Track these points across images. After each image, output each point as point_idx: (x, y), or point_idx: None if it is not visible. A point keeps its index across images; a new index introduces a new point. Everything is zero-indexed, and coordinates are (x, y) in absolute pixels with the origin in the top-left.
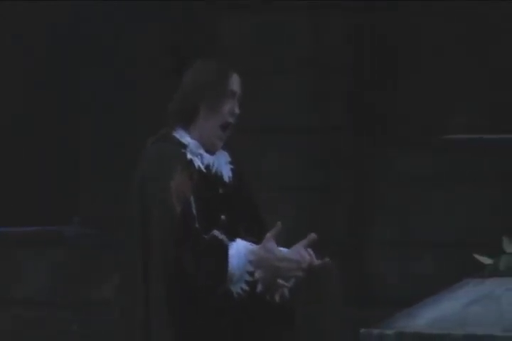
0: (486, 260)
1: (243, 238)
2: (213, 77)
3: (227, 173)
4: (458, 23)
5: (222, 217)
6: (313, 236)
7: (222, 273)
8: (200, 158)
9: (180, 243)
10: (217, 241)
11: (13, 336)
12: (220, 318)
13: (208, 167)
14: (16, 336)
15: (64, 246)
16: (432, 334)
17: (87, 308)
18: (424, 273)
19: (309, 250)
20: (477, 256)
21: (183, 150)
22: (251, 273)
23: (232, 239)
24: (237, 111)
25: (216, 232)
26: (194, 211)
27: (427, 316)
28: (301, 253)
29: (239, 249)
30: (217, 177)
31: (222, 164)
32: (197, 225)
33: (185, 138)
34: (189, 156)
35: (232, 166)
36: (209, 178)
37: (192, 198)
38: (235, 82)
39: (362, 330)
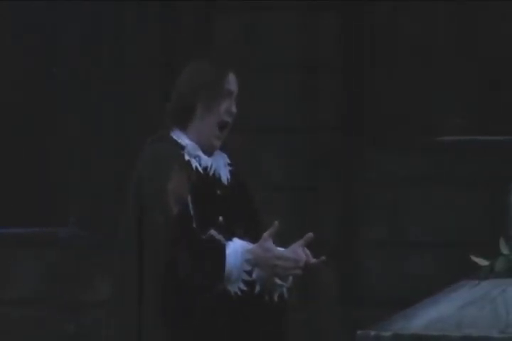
0: (483, 261)
1: (241, 239)
2: (210, 76)
3: (225, 175)
4: (449, 23)
5: (220, 218)
6: (310, 235)
7: (219, 273)
8: (197, 160)
9: (177, 243)
10: (214, 241)
11: (7, 336)
12: (217, 318)
13: (205, 169)
14: (13, 336)
15: (58, 247)
16: (428, 335)
17: (82, 309)
18: (415, 273)
19: (305, 249)
20: (473, 258)
21: (180, 152)
22: (249, 273)
23: (230, 239)
24: (234, 110)
25: (213, 232)
26: (191, 211)
27: (423, 318)
28: (298, 252)
29: (236, 248)
30: (215, 179)
31: (220, 166)
32: (194, 225)
33: (183, 139)
34: (187, 158)
35: (230, 168)
36: (207, 180)
37: (189, 199)
38: (231, 81)
39: (359, 332)
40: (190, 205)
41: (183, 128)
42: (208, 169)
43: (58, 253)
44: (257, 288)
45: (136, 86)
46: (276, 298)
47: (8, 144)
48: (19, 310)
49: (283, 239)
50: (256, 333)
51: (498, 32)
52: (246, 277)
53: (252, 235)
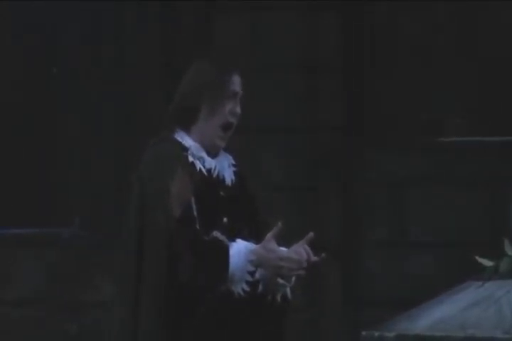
0: (487, 262)
1: (245, 240)
2: (214, 77)
3: (229, 176)
4: (449, 23)
5: (224, 219)
6: (311, 235)
7: (223, 273)
8: (201, 161)
9: (180, 244)
10: (217, 242)
11: (8, 337)
12: (219, 318)
13: (209, 170)
14: (13, 337)
15: (59, 247)
16: (432, 336)
17: (82, 309)
18: (415, 273)
19: (306, 246)
20: (478, 258)
21: (184, 153)
22: (252, 273)
23: (234, 240)
24: (238, 111)
25: (216, 233)
26: (195, 213)
27: (427, 318)
28: (300, 252)
29: (239, 249)
30: (219, 181)
31: (224, 167)
32: (197, 227)
33: (187, 141)
34: (190, 159)
35: (235, 169)
36: (210, 181)
37: (193, 200)
38: (236, 82)
39: (363, 332)
40: (194, 206)
41: (187, 129)
42: (212, 171)
43: (59, 253)
44: (260, 288)
45: (136, 86)
46: (279, 298)
47: (8, 144)
48: (20, 310)
49: (283, 239)
50: (257, 333)
51: (498, 32)
52: (249, 278)
53: (256, 236)
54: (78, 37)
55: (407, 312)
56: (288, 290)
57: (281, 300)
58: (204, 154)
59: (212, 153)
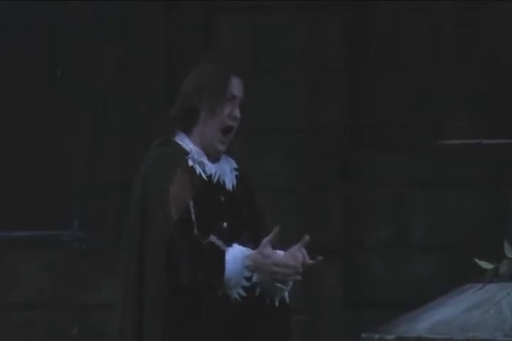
0: (487, 265)
1: (246, 245)
2: (212, 79)
3: (230, 181)
4: (452, 25)
5: (224, 224)
6: (306, 238)
7: (219, 279)
8: (201, 166)
9: (177, 248)
10: (213, 247)
11: (12, 339)
12: (216, 323)
13: (210, 176)
14: (17, 339)
15: (61, 250)
16: (433, 338)
17: (86, 311)
18: (417, 274)
19: (303, 250)
20: (478, 261)
21: (185, 157)
22: (248, 279)
23: (231, 245)
24: (237, 114)
25: (213, 238)
26: (193, 217)
27: (427, 321)
28: (296, 257)
29: (235, 254)
30: (220, 186)
31: (226, 172)
32: (195, 232)
33: (187, 144)
34: (191, 163)
35: (237, 173)
36: (210, 186)
37: (192, 204)
38: (235, 85)
39: (363, 335)
40: (192, 211)
41: (187, 131)
42: (213, 176)
43: (61, 255)
44: (258, 292)
45: (140, 87)
46: (277, 302)
47: (10, 146)
48: (23, 312)
49: (284, 240)
50: (258, 337)
51: (499, 32)
52: (245, 283)
53: (256, 241)
54: (81, 38)
55: (407, 315)
56: (286, 294)
57: (280, 304)
58: (204, 159)
59: (213, 157)
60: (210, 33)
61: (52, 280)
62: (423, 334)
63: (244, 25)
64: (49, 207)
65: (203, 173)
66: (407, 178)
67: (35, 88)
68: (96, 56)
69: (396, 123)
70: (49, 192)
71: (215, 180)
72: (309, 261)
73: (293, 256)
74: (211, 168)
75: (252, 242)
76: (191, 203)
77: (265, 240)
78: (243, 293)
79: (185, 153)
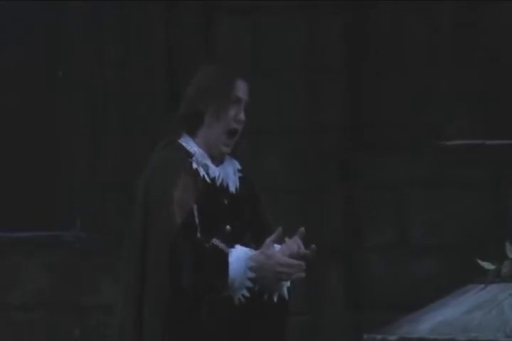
0: (489, 265)
1: (248, 246)
2: (217, 82)
3: (234, 184)
4: (452, 25)
5: (227, 227)
6: (302, 230)
7: (223, 281)
8: (205, 169)
9: (180, 251)
10: (216, 250)
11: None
12: (219, 324)
13: (213, 179)
14: (18, 340)
15: (62, 250)
16: (435, 339)
17: (87, 312)
18: (417, 275)
19: (298, 240)
20: (480, 262)
21: (189, 159)
22: (252, 280)
23: (234, 246)
24: (242, 117)
25: (216, 241)
26: (196, 220)
27: (429, 321)
28: (291, 247)
29: (239, 255)
30: (223, 188)
31: (229, 174)
32: (199, 235)
33: (192, 146)
34: (195, 166)
35: (240, 175)
36: (214, 189)
37: (195, 207)
38: (240, 88)
39: (365, 336)
40: (196, 214)
41: (192, 134)
42: (216, 179)
43: (61, 256)
44: (257, 287)
45: (140, 87)
46: (275, 297)
47: (11, 146)
48: (23, 313)
49: (285, 240)
50: (257, 333)
51: (500, 33)
52: (249, 284)
53: (259, 243)
54: (81, 38)
55: (409, 315)
56: (285, 290)
57: (278, 299)
58: (208, 161)
59: (217, 160)
60: (210, 33)
61: (52, 281)
62: (425, 335)
63: (244, 25)
64: (49, 208)
65: (206, 176)
66: (407, 178)
67: (35, 88)
68: (96, 56)
69: (396, 124)
70: (49, 192)
71: (218, 182)
72: (304, 251)
73: (289, 246)
74: (215, 170)
75: (255, 243)
76: (195, 207)
77: (268, 240)
78: (247, 294)
79: (190, 155)
